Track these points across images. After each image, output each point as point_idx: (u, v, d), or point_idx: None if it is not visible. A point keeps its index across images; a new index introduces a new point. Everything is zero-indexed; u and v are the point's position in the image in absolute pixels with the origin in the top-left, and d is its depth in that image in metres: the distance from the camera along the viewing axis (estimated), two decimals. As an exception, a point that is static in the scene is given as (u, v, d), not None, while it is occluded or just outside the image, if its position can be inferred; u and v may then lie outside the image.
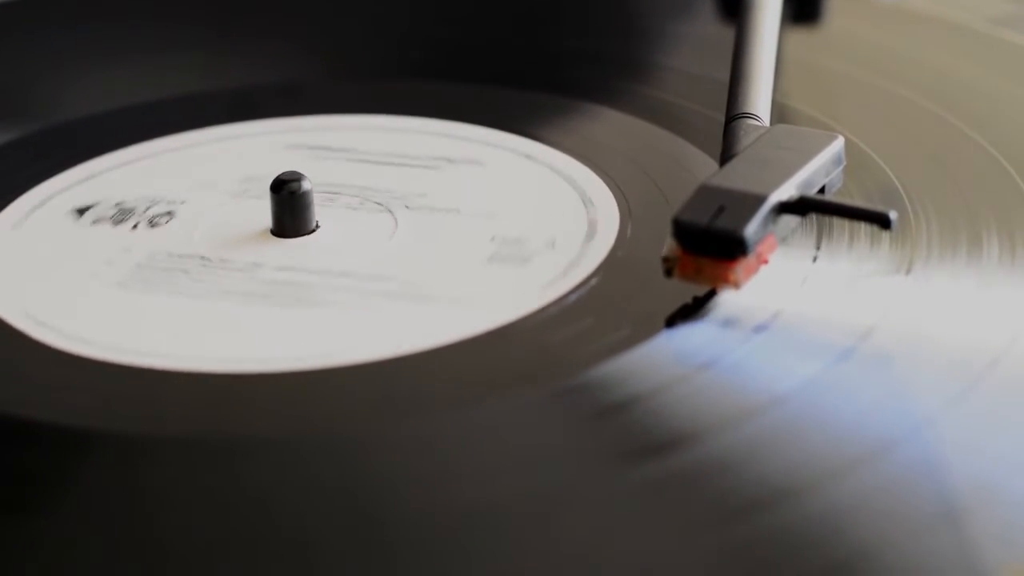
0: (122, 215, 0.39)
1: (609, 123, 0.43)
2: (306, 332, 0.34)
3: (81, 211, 0.39)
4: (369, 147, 0.42)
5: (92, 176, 0.41)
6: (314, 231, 0.38)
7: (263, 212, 0.38)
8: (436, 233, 0.38)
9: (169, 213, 0.39)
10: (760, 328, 0.33)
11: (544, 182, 0.40)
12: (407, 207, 0.39)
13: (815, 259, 0.35)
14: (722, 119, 0.38)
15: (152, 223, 0.39)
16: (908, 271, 0.35)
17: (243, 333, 0.34)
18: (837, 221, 0.36)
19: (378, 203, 0.39)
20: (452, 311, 0.34)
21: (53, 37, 0.50)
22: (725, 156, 0.36)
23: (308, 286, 0.36)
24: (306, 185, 0.38)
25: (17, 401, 0.32)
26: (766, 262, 0.34)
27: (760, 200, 0.33)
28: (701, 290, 0.34)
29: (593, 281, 0.35)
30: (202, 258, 0.37)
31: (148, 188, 0.41)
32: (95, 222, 0.39)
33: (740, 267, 0.33)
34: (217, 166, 0.42)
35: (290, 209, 0.38)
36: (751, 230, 0.33)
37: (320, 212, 0.38)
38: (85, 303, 0.36)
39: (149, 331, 0.35)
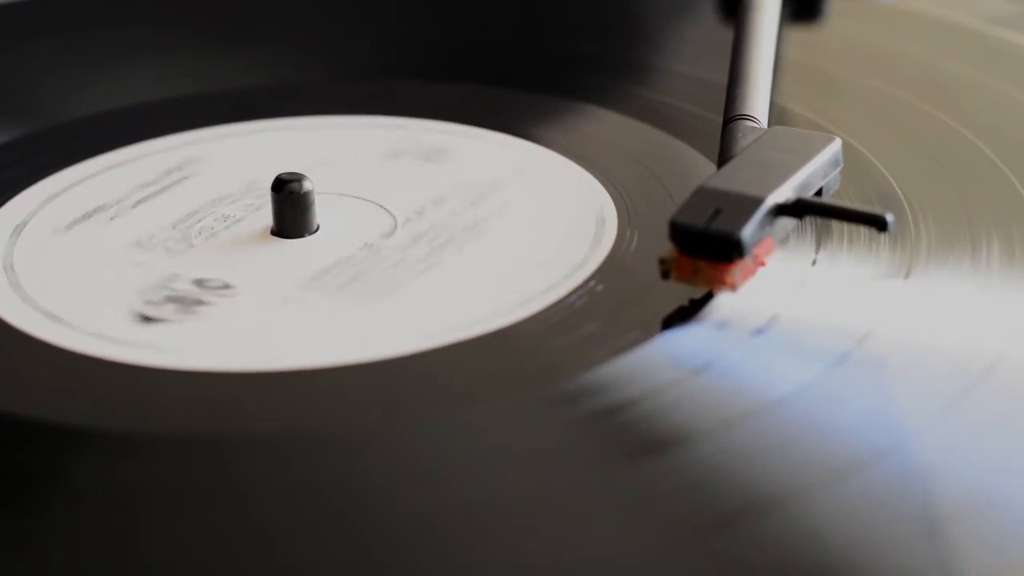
0: (192, 300, 0.36)
1: (608, 124, 0.43)
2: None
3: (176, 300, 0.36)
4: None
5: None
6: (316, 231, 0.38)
7: (241, 229, 0.38)
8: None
9: (200, 281, 0.36)
10: (758, 331, 0.33)
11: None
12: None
13: (814, 262, 0.35)
14: (720, 121, 0.38)
15: (203, 286, 0.36)
16: (907, 275, 0.35)
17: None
18: (836, 224, 0.36)
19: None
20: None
21: (52, 37, 0.50)
22: (723, 158, 0.36)
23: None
24: (308, 185, 0.38)
25: (17, 401, 0.32)
26: (763, 264, 0.34)
27: (757, 202, 0.33)
28: (698, 292, 0.34)
29: (592, 284, 0.35)
30: (325, 271, 0.37)
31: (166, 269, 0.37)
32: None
33: (737, 269, 0.33)
34: (115, 226, 0.39)
35: (294, 208, 0.38)
36: (748, 232, 0.33)
37: (320, 214, 0.38)
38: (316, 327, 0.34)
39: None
